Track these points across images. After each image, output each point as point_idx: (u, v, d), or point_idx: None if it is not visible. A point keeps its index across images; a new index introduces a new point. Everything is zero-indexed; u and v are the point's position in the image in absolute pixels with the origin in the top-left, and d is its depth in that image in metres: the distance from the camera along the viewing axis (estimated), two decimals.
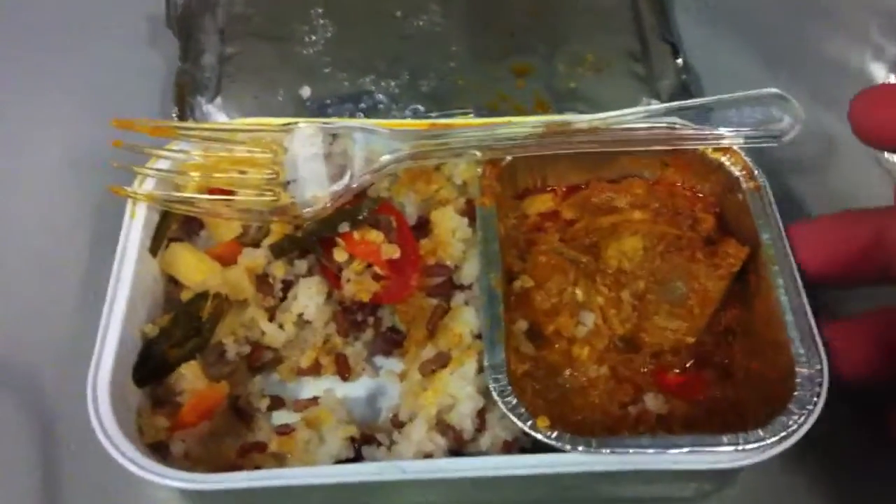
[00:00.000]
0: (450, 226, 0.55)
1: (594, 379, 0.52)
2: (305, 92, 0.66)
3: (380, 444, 0.50)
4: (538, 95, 0.66)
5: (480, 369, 0.49)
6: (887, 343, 0.48)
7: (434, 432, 0.48)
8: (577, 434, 0.46)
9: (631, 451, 0.45)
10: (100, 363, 0.47)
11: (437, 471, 0.45)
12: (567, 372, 0.53)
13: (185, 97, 0.65)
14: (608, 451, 0.45)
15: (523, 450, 0.48)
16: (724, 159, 0.56)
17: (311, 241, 0.54)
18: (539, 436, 0.45)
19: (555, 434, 0.45)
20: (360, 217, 0.54)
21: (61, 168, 0.65)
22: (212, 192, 0.54)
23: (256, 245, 0.55)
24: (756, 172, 0.55)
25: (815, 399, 0.46)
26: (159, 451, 0.48)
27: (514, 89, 0.67)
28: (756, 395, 0.50)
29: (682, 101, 0.56)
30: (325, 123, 0.56)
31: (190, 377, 0.49)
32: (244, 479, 0.43)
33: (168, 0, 0.70)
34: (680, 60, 0.69)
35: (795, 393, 0.46)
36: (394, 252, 0.54)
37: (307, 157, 0.54)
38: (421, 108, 0.65)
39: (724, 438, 0.45)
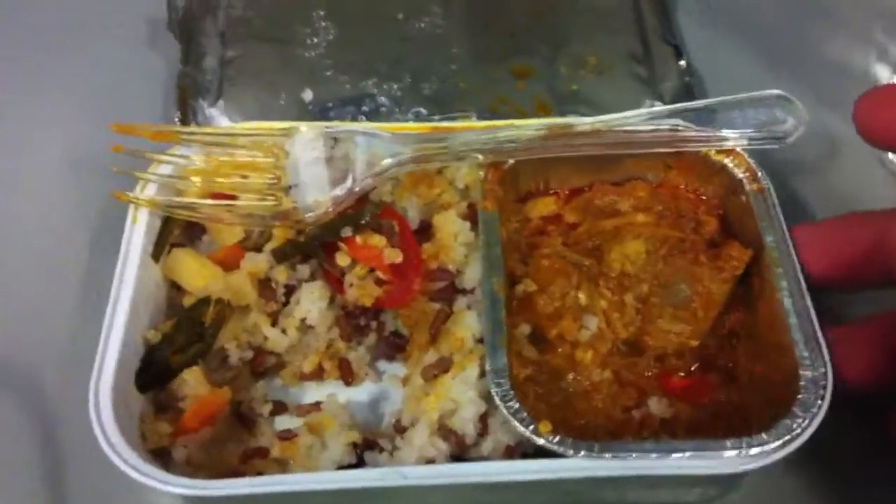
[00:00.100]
0: (452, 230, 0.54)
1: (597, 383, 0.52)
2: (307, 95, 0.66)
3: (382, 450, 0.49)
4: (540, 98, 0.66)
5: (482, 374, 0.49)
6: (891, 347, 0.48)
7: (436, 437, 0.48)
8: (581, 438, 0.45)
9: (633, 455, 0.44)
10: (102, 369, 0.46)
11: (439, 476, 0.45)
12: (570, 376, 0.52)
13: (186, 100, 0.65)
14: (610, 455, 0.44)
15: (526, 455, 0.48)
16: (727, 161, 0.56)
17: (314, 246, 0.54)
18: (541, 441, 0.45)
19: (557, 439, 0.45)
20: (363, 221, 0.54)
21: (61, 168, 0.64)
22: (214, 196, 0.54)
23: (259, 250, 0.55)
24: (760, 174, 0.55)
25: (819, 402, 0.45)
26: (162, 457, 0.48)
27: (516, 91, 0.66)
28: (760, 399, 0.50)
29: (685, 104, 0.56)
30: (326, 127, 0.56)
31: (192, 383, 0.49)
32: (246, 486, 0.43)
33: (169, 3, 0.70)
34: (683, 62, 0.68)
35: (799, 396, 0.46)
36: (396, 256, 0.53)
37: (309, 161, 0.54)
38: (423, 110, 0.65)
39: (728, 443, 0.45)
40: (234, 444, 0.51)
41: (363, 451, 0.50)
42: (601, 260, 0.55)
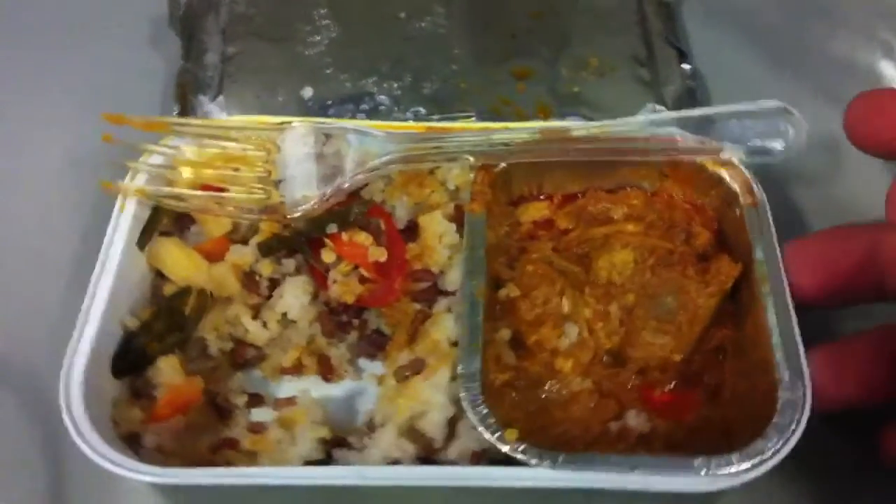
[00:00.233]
0: (437, 230, 0.54)
1: (577, 393, 0.51)
2: (307, 92, 0.66)
3: (351, 448, 0.49)
4: (541, 99, 0.65)
5: (455, 377, 0.48)
6: (883, 362, 0.46)
7: (404, 439, 0.48)
8: (555, 448, 0.45)
9: (597, 469, 0.44)
10: (75, 353, 0.47)
11: (398, 478, 0.44)
12: (549, 384, 0.51)
13: (186, 96, 0.65)
14: (574, 467, 0.44)
15: (494, 461, 0.47)
16: (724, 173, 0.54)
17: (300, 241, 0.54)
18: (505, 448, 0.44)
19: (521, 447, 0.44)
20: (350, 218, 0.54)
21: (61, 168, 0.65)
22: (204, 188, 0.55)
23: (246, 242, 0.55)
24: (756, 188, 0.53)
25: (793, 426, 0.44)
26: (133, 443, 0.48)
27: (517, 93, 0.65)
28: (743, 416, 0.49)
29: (684, 112, 0.55)
30: (319, 123, 0.56)
31: (167, 371, 0.50)
32: (200, 476, 0.43)
33: None
34: (687, 66, 0.67)
35: (774, 420, 0.44)
36: (381, 255, 0.53)
37: (299, 156, 0.54)
38: (423, 110, 0.64)
39: (696, 462, 0.43)
40: (209, 434, 0.51)
41: (332, 449, 0.50)
42: (589, 268, 0.54)
